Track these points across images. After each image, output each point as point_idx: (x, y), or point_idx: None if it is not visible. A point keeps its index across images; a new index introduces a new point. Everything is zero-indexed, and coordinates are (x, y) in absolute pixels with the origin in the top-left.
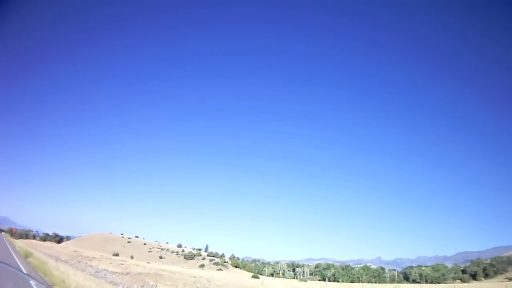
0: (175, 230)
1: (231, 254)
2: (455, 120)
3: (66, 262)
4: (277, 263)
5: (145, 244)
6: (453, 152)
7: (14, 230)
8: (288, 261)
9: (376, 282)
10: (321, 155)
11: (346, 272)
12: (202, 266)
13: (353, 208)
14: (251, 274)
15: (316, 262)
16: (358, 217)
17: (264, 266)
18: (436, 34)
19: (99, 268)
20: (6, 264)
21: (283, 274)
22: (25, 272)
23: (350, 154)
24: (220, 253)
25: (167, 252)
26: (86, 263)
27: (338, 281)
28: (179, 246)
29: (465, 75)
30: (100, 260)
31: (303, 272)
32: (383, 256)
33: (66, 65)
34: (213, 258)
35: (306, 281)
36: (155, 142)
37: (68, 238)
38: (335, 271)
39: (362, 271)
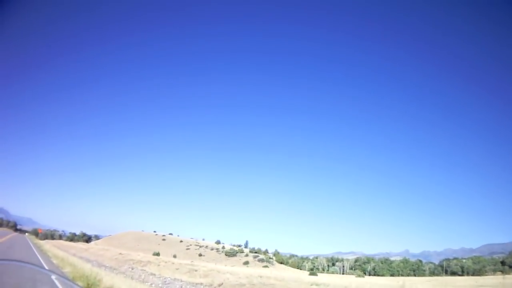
0: (209, 227)
1: (274, 250)
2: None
3: (115, 269)
4: (316, 258)
5: (181, 241)
6: (476, 148)
7: (39, 231)
8: (321, 256)
9: (415, 275)
10: (351, 154)
11: (386, 266)
12: (246, 263)
13: (381, 202)
14: (299, 270)
15: (346, 257)
16: (386, 212)
17: (303, 261)
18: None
19: (166, 278)
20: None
21: (323, 269)
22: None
23: (379, 152)
24: (257, 249)
25: (206, 249)
26: (142, 269)
27: (379, 275)
28: (218, 242)
29: (473, 73)
30: (158, 265)
31: (343, 266)
32: (411, 249)
33: (90, 57)
34: (256, 254)
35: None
36: (190, 139)
37: (97, 237)
38: (375, 265)
39: (402, 264)
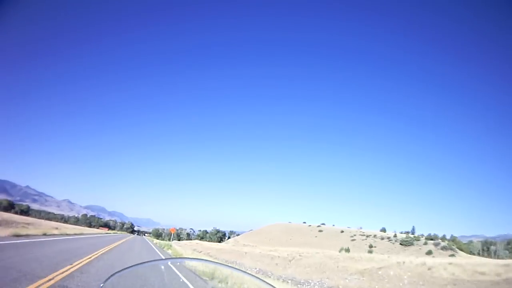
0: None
1: (450, 235)
2: None
3: None
4: (471, 242)
5: (342, 231)
6: None
7: (172, 231)
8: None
9: None
10: None
11: None
12: (429, 253)
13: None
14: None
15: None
16: None
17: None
18: None
19: None
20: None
21: (478, 253)
22: None
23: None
24: (433, 235)
25: (375, 239)
26: None
27: None
28: (383, 230)
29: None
30: None
31: (496, 250)
32: None
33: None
34: (438, 241)
35: None
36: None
37: (233, 233)
38: None
39: None
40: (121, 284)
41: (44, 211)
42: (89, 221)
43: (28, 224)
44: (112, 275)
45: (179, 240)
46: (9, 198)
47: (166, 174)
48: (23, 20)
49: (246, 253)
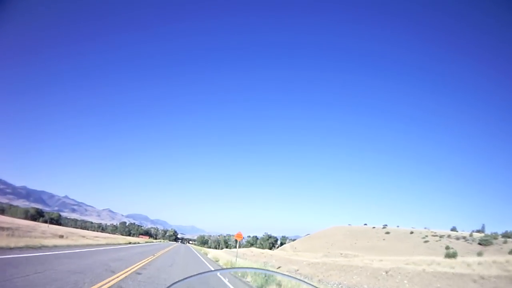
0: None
1: None
2: None
3: None
4: None
5: (411, 232)
6: None
7: (239, 237)
8: None
9: None
10: None
11: None
12: None
13: None
14: None
15: None
16: None
17: None
18: None
19: None
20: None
21: None
22: None
23: None
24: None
25: (450, 239)
26: None
27: None
28: (454, 229)
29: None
30: None
31: None
32: None
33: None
34: None
35: None
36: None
37: (285, 238)
38: None
39: None
40: None
41: (81, 220)
42: (129, 229)
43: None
44: (171, 285)
45: (226, 247)
46: (46, 209)
47: (210, 180)
48: (32, 20)
49: (361, 268)
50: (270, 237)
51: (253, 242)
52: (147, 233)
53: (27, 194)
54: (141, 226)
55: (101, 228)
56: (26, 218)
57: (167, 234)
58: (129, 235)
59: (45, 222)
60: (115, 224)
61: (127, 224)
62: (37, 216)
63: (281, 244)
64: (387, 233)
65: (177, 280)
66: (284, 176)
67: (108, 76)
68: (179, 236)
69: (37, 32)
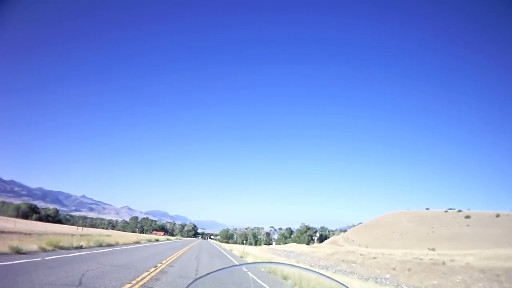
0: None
1: None
2: None
3: None
4: None
5: (497, 215)
6: None
7: None
8: None
9: None
10: None
11: None
12: None
13: None
14: None
15: None
16: None
17: None
18: None
19: None
20: None
21: None
22: None
23: None
24: None
25: None
26: None
27: None
28: None
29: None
30: None
31: None
32: None
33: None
34: None
35: None
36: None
37: (324, 229)
38: None
39: None
40: None
41: (91, 218)
42: (141, 225)
43: None
44: (193, 281)
45: (256, 244)
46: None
47: (231, 175)
48: (40, 18)
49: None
50: (308, 228)
51: (287, 235)
52: (162, 229)
53: (43, 195)
54: (155, 221)
55: (112, 225)
56: (17, 216)
57: (185, 229)
58: (142, 231)
59: (40, 219)
60: (126, 220)
61: (139, 219)
62: (30, 212)
63: (321, 236)
64: (467, 217)
65: None
66: (311, 166)
67: (121, 73)
68: (199, 231)
69: (52, 28)
